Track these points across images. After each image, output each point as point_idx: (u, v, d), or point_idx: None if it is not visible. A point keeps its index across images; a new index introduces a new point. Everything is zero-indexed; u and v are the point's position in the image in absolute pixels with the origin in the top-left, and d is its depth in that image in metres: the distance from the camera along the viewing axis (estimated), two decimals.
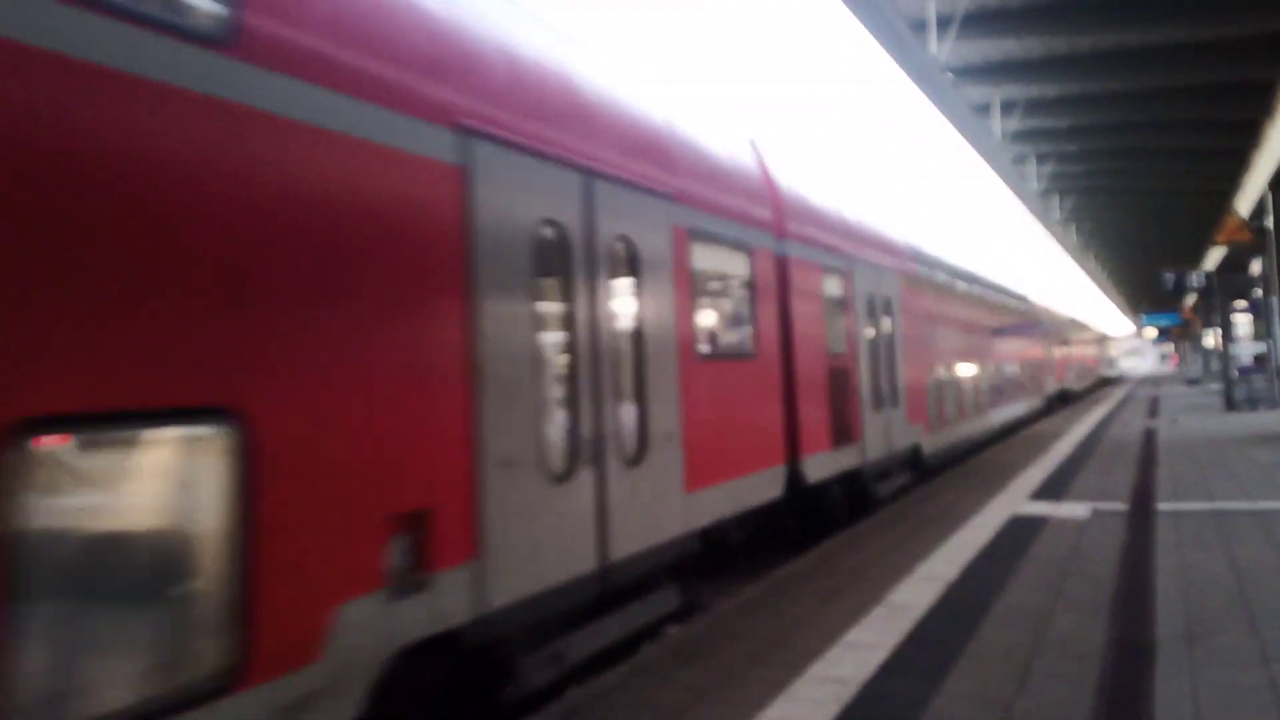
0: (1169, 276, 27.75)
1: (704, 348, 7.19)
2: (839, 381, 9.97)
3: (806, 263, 9.45)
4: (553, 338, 5.40)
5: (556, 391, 5.40)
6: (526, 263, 5.03)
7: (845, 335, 10.37)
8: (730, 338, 8.02)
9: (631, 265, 6.18)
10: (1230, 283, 28.11)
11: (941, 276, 15.68)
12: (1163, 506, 9.90)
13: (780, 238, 8.90)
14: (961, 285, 17.32)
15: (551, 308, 5.41)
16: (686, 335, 6.80)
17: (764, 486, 8.00)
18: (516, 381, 4.82)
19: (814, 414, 9.25)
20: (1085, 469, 13.63)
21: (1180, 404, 30.57)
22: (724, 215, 7.67)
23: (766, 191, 8.74)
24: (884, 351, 11.73)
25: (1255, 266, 24.17)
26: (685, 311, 6.83)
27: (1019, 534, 8.73)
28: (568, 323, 5.44)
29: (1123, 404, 32.61)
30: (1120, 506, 10.05)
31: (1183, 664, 4.87)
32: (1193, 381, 47.82)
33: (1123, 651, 5.14)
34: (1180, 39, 18.78)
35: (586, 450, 5.45)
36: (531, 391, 4.96)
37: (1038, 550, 7.95)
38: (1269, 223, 18.12)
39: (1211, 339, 40.08)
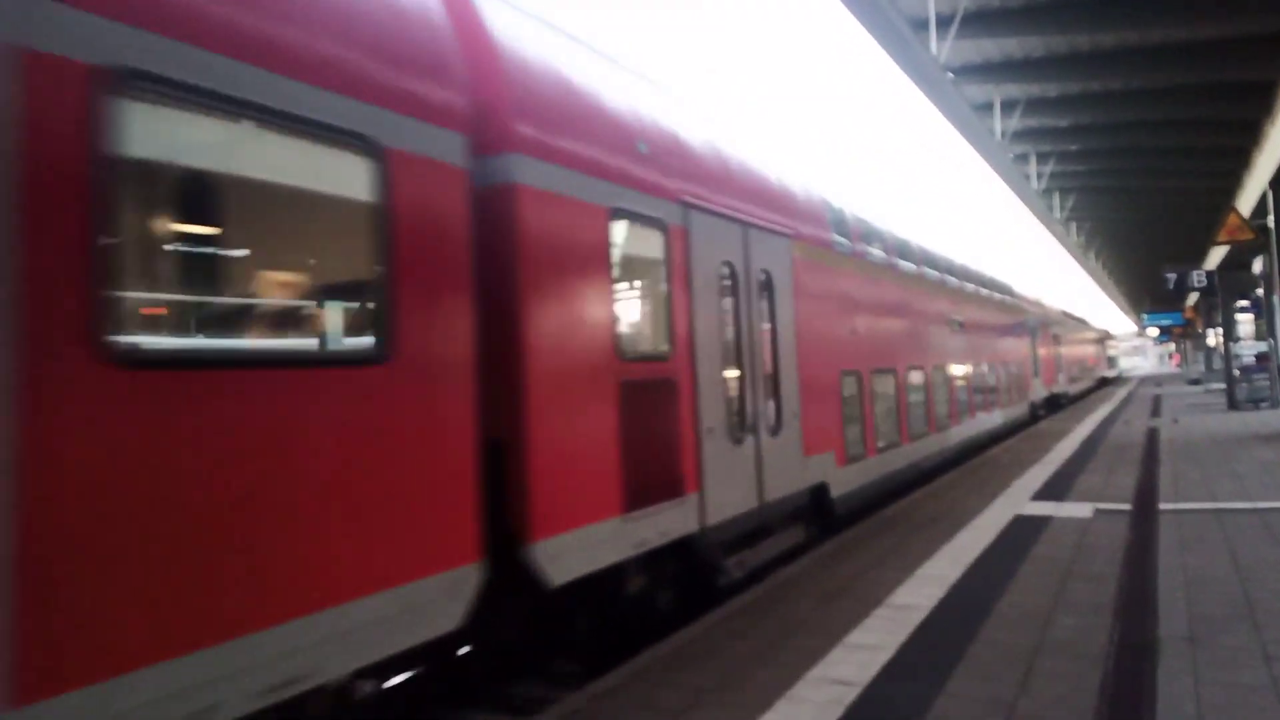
0: (1170, 275, 27.73)
1: (155, 345, 3.41)
2: (647, 401, 6.33)
3: (565, 199, 5.66)
4: None
5: None
6: None
7: (666, 328, 6.73)
8: (295, 325, 4.19)
9: None
10: (1232, 281, 28.08)
11: (878, 253, 12.08)
12: (1165, 506, 9.88)
13: (493, 149, 5.26)
14: (910, 267, 13.65)
15: None
16: (67, 312, 2.98)
17: (384, 628, 4.01)
18: None
19: (574, 459, 5.52)
20: (1087, 469, 13.61)
21: (1182, 403, 30.52)
22: (279, 69, 3.83)
23: (457, 59, 4.90)
24: (755, 352, 8.09)
25: (1257, 265, 24.13)
26: (72, 257, 3.01)
27: (1022, 534, 8.72)
28: None
29: (1124, 403, 32.58)
30: (1123, 506, 10.04)
31: (1185, 664, 4.86)
32: (1194, 381, 47.79)
33: (1125, 651, 5.13)
34: (1181, 38, 18.79)
35: None
36: None
37: (1041, 550, 7.94)
38: (1270, 221, 18.11)
39: (1213, 338, 40.07)
